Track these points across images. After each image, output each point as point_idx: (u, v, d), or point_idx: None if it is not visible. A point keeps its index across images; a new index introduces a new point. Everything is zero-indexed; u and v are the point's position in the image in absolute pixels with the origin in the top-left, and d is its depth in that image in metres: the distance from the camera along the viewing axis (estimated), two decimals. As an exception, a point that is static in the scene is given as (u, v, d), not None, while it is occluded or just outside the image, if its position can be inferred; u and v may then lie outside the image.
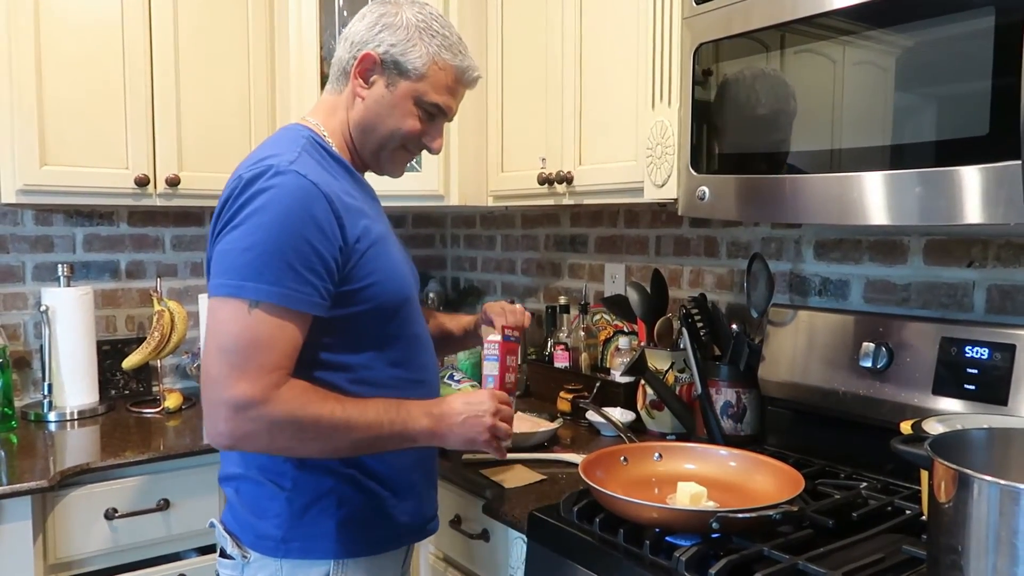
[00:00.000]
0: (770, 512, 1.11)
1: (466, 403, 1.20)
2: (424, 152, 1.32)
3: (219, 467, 1.89)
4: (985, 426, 1.05)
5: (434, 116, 1.25)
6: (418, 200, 2.10)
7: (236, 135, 2.11)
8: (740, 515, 1.10)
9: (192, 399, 2.20)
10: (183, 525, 1.80)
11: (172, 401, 2.13)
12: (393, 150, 1.26)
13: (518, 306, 1.47)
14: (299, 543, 1.16)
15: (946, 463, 0.89)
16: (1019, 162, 0.93)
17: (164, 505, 1.76)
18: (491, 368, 1.38)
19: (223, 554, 1.23)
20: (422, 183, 2.09)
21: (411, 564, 1.35)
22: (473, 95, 1.33)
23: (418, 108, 1.22)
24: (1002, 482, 0.84)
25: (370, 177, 1.31)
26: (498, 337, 1.39)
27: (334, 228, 1.09)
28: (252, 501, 1.19)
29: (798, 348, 1.59)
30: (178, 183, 2.01)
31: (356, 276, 1.13)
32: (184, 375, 2.39)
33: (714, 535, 1.11)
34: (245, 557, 1.18)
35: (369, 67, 1.21)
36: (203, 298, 2.21)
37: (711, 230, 1.94)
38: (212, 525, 1.26)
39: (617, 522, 1.19)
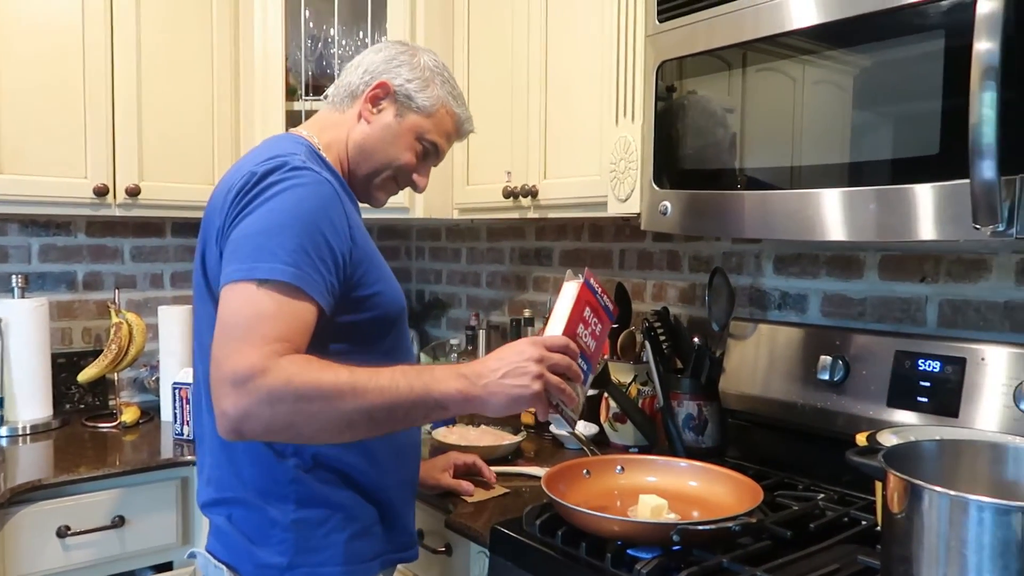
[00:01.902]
0: (729, 524, 1.12)
1: (499, 358, 1.06)
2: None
3: (182, 486, 1.84)
4: (937, 438, 1.08)
5: (428, 155, 1.31)
6: (383, 212, 2.08)
7: (199, 145, 2.09)
8: (700, 527, 1.11)
9: (150, 413, 2.16)
10: (139, 542, 1.76)
11: (129, 415, 2.09)
12: (385, 179, 1.30)
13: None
14: (305, 569, 1.12)
15: (899, 474, 0.91)
16: (968, 181, 0.96)
17: (119, 522, 1.72)
18: (562, 308, 1.13)
19: None
20: (387, 195, 2.07)
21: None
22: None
23: (419, 143, 1.28)
24: (952, 493, 0.86)
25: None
26: (580, 280, 1.16)
27: (345, 227, 1.10)
28: (250, 527, 1.14)
29: (758, 361, 1.62)
30: (138, 193, 1.97)
31: (366, 282, 1.14)
32: (142, 388, 2.34)
33: (675, 547, 1.12)
34: None
35: (382, 95, 1.26)
36: (163, 310, 2.18)
37: (674, 244, 1.96)
38: (193, 555, 1.21)
39: (579, 535, 1.19)
